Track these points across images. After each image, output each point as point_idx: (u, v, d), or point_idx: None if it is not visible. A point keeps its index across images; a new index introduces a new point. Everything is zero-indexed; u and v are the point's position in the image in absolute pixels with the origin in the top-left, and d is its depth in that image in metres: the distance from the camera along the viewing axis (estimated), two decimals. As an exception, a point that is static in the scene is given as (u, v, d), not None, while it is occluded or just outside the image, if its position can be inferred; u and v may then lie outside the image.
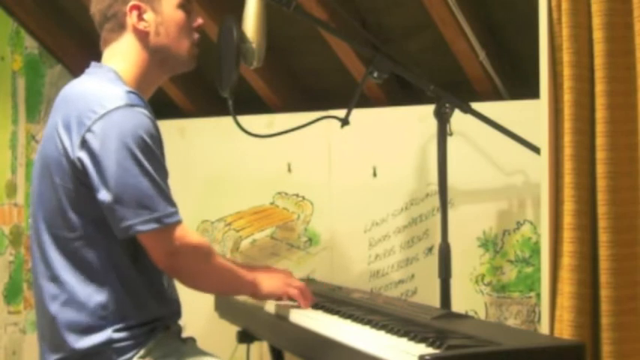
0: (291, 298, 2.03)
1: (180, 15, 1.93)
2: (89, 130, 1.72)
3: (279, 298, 2.01)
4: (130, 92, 1.79)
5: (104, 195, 1.71)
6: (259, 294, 1.96)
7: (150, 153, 1.74)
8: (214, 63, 2.16)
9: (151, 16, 1.90)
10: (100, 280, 1.77)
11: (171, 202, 1.75)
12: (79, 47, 3.30)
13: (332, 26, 2.64)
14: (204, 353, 1.87)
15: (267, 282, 1.98)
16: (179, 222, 1.75)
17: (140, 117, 1.75)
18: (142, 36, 1.90)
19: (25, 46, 3.23)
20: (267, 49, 2.21)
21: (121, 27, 1.90)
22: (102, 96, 1.77)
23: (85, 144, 1.72)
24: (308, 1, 2.62)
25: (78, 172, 1.74)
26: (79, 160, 1.73)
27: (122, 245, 1.78)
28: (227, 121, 2.27)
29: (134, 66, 1.89)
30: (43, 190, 1.82)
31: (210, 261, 1.83)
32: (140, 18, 1.90)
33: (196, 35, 1.97)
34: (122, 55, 1.90)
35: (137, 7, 1.89)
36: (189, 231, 1.79)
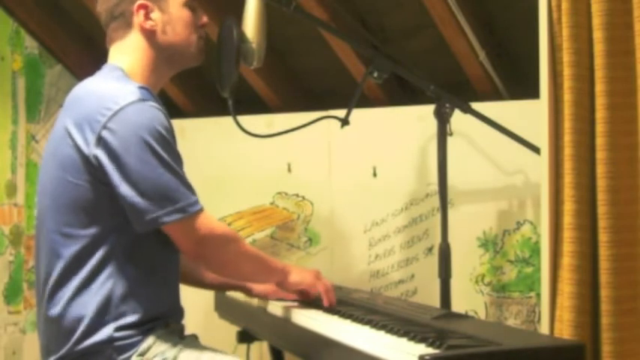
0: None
1: (186, 13, 1.95)
2: (105, 127, 1.73)
3: (303, 291, 2.03)
4: (141, 87, 1.80)
5: (126, 190, 1.71)
6: (287, 282, 1.98)
7: (167, 145, 1.76)
8: (214, 63, 2.16)
9: (157, 15, 1.91)
10: (104, 279, 1.77)
11: (192, 191, 1.77)
12: (79, 47, 3.30)
13: (332, 26, 2.64)
14: (204, 347, 1.87)
15: (298, 272, 2.00)
16: (202, 210, 1.77)
17: (153, 111, 1.77)
18: (149, 34, 1.91)
19: (25, 46, 3.23)
20: (267, 49, 2.21)
21: (128, 26, 1.91)
22: (114, 93, 1.78)
23: (101, 141, 1.73)
24: (308, 1, 2.62)
25: (93, 169, 1.75)
26: (95, 157, 1.73)
27: (128, 244, 1.78)
28: (227, 121, 2.27)
29: (141, 63, 1.90)
30: (55, 190, 1.82)
31: (238, 247, 1.85)
32: (147, 17, 1.91)
33: (202, 32, 1.99)
34: (128, 53, 1.91)
35: (144, 7, 1.90)
36: (213, 219, 1.81)
